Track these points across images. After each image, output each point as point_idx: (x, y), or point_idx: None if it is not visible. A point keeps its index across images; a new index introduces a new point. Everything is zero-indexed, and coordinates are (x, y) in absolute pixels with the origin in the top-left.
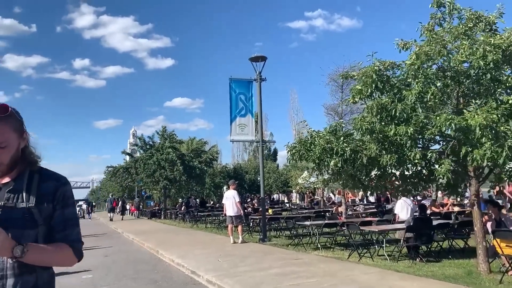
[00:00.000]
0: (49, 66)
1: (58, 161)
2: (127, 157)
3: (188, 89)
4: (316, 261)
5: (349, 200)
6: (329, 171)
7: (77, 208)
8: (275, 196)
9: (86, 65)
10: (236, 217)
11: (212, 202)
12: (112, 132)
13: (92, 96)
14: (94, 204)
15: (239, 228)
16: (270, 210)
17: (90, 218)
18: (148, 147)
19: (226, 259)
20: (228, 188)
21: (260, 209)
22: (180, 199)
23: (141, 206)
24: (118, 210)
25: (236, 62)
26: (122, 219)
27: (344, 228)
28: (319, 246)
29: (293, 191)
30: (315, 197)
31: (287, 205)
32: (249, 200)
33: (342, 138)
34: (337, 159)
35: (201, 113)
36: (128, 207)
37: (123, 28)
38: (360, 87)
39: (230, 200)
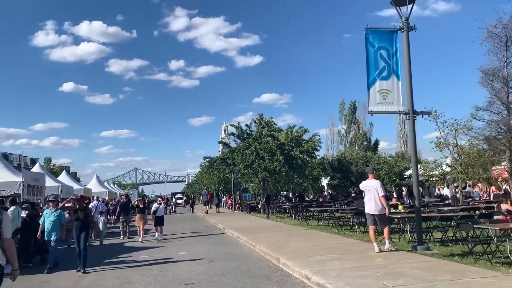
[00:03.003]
0: (148, 69)
1: (158, 156)
2: (220, 150)
3: (276, 84)
4: None
5: (491, 195)
6: None
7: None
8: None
9: (181, 66)
10: (380, 217)
11: (311, 196)
12: (205, 129)
13: (187, 95)
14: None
15: (386, 231)
16: (400, 207)
17: (193, 212)
18: (245, 136)
19: (394, 281)
20: (365, 178)
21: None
22: (284, 192)
23: (237, 199)
24: (213, 203)
25: (324, 54)
26: (218, 211)
27: None
28: None
29: (443, 185)
30: (443, 191)
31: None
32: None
33: None
34: None
35: (289, 107)
36: (224, 199)
37: (214, 28)
38: None
39: (371, 193)
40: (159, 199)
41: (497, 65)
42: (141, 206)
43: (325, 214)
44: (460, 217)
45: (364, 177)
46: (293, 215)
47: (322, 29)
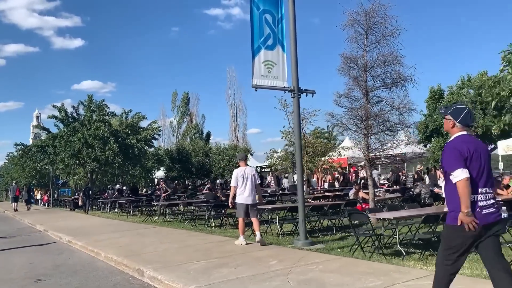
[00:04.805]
0: None
1: None
2: (32, 138)
3: (99, 71)
4: None
5: (326, 184)
6: None
7: None
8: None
9: None
10: (254, 206)
11: (145, 190)
12: (11, 116)
13: None
14: None
15: (257, 222)
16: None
17: None
18: (70, 120)
19: None
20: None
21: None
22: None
23: (55, 195)
24: (22, 200)
25: (150, 46)
26: (28, 209)
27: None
28: (402, 251)
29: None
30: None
31: None
32: (207, 185)
33: None
34: None
35: (114, 97)
36: (39, 196)
37: (27, 3)
38: None
39: (250, 182)
40: None
41: (357, 53)
42: None
43: (173, 209)
44: (329, 206)
45: (203, 168)
46: (131, 211)
47: (149, 21)
